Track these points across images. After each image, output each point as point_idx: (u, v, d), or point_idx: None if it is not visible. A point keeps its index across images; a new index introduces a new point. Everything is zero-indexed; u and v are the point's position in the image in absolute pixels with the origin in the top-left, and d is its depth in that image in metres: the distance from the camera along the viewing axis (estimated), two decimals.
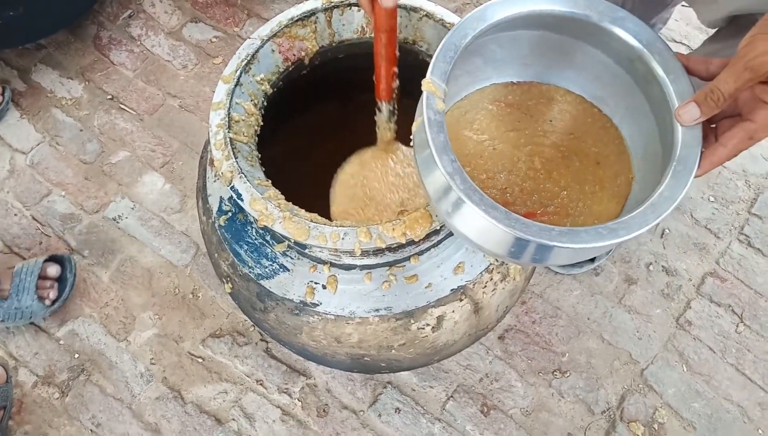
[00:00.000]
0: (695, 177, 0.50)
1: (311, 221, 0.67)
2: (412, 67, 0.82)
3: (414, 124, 0.57)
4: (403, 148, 0.85)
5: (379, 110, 0.78)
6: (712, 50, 0.81)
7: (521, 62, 0.66)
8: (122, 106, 1.43)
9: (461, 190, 0.50)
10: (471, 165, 0.62)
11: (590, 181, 0.61)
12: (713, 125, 0.53)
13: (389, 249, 0.71)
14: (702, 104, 0.49)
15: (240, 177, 0.69)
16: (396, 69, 0.73)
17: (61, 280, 1.21)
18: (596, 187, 0.61)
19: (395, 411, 1.11)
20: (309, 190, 1.08)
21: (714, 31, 0.83)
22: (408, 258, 0.75)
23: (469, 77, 0.66)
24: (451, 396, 1.12)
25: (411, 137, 0.59)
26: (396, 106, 0.78)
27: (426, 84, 0.54)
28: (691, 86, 0.53)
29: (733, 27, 0.76)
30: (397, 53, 0.71)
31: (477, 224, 0.53)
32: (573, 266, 1.19)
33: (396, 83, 0.74)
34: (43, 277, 1.19)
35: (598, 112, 0.65)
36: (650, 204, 0.50)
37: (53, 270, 1.19)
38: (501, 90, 0.66)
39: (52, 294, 1.19)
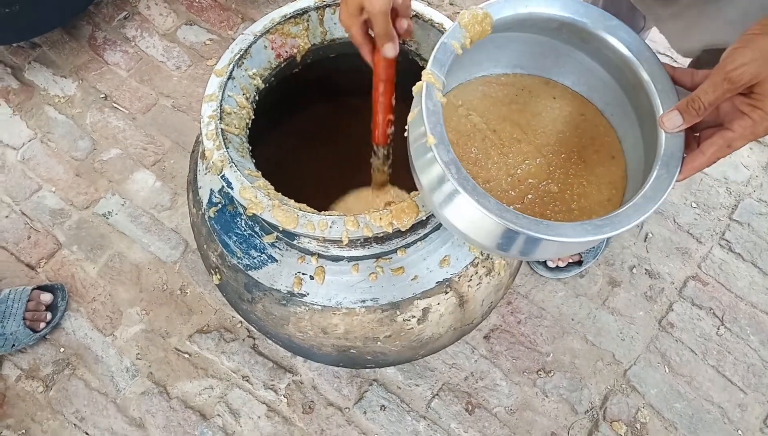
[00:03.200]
0: (677, 181, 0.53)
1: (300, 209, 0.68)
2: (402, 68, 0.84)
3: (410, 114, 0.57)
4: (394, 191, 0.87)
5: (375, 154, 0.81)
6: None
7: (515, 63, 0.68)
8: (115, 105, 1.44)
9: (456, 180, 0.51)
10: (466, 157, 0.63)
11: (588, 178, 0.62)
12: (697, 134, 0.55)
13: (376, 240, 0.72)
14: (684, 112, 0.51)
15: (230, 166, 0.70)
16: (392, 116, 0.75)
17: (52, 307, 1.19)
18: (593, 187, 0.62)
19: (380, 408, 1.11)
20: (299, 189, 1.09)
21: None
22: (395, 250, 0.76)
23: (465, 70, 0.67)
24: (437, 394, 1.12)
25: (406, 127, 0.60)
26: (390, 151, 0.80)
27: (426, 75, 0.54)
28: (677, 95, 0.56)
29: (710, 56, 0.78)
30: (394, 102, 0.73)
31: (468, 215, 0.54)
32: (561, 270, 1.21)
33: (391, 129, 0.76)
34: (33, 309, 1.16)
35: (595, 110, 0.66)
36: (633, 204, 0.52)
37: (46, 297, 1.18)
38: (500, 80, 0.67)
39: (48, 317, 1.17)
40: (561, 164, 0.63)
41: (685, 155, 0.53)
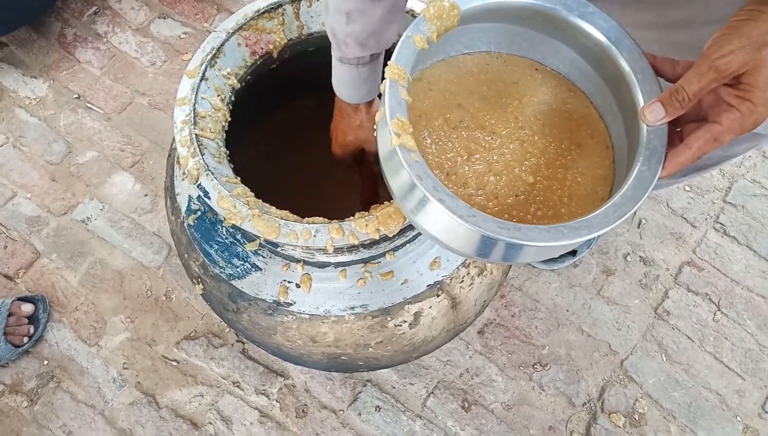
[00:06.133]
0: (659, 178, 0.49)
1: (282, 218, 0.65)
2: None
3: (377, 113, 0.53)
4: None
5: None
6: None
7: (490, 48, 0.63)
8: (89, 105, 1.39)
9: (424, 187, 0.47)
10: (439, 151, 0.59)
11: (574, 168, 0.59)
12: (679, 129, 0.52)
13: (363, 246, 0.69)
14: (667, 104, 0.48)
15: (207, 174, 0.67)
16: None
17: (33, 319, 1.14)
18: (578, 177, 0.58)
19: (375, 409, 1.09)
20: (283, 189, 1.05)
21: None
22: (383, 254, 0.73)
23: (434, 57, 0.62)
24: (432, 392, 1.10)
25: (374, 127, 0.56)
26: None
27: (390, 70, 0.50)
28: (659, 86, 0.52)
29: None
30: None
31: (442, 222, 0.50)
32: (554, 260, 1.18)
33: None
34: (14, 323, 1.11)
35: (584, 95, 0.62)
36: (613, 204, 0.49)
37: (27, 308, 1.13)
38: (475, 60, 0.62)
39: (31, 331, 1.13)
40: (555, 139, 0.58)
41: (667, 151, 0.50)
